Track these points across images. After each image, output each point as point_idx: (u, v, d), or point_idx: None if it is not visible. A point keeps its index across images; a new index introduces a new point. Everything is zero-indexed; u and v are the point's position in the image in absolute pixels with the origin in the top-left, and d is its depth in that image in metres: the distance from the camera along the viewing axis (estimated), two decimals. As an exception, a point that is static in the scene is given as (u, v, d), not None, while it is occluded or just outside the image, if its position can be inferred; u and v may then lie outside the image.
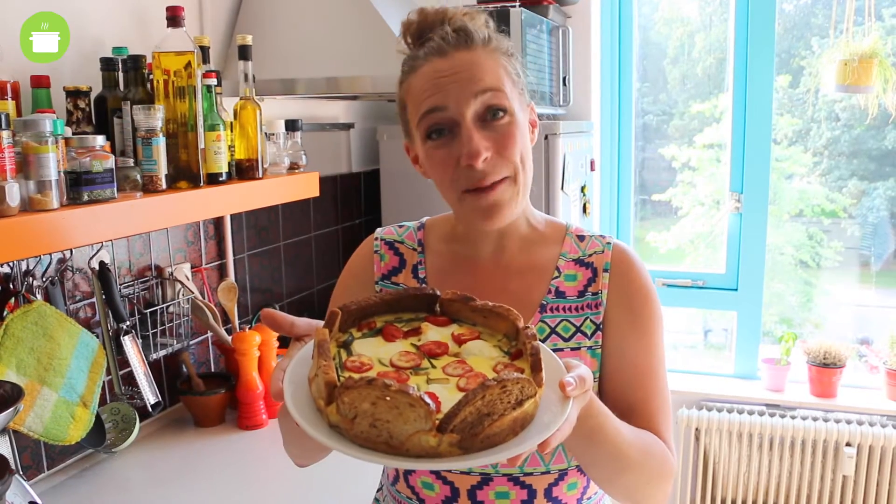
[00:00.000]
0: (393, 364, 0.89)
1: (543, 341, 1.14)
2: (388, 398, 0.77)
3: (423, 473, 1.18)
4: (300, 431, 0.81)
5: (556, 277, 1.18)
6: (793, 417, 3.14)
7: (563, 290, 1.18)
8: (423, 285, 1.02)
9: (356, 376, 0.81)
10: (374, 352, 0.92)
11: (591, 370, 1.13)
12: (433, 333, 0.96)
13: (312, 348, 0.89)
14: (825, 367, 3.17)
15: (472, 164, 1.05)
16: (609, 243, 1.21)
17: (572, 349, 1.15)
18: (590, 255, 1.20)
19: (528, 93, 1.17)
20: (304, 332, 0.96)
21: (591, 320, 1.16)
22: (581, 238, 1.22)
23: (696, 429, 3.24)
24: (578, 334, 1.16)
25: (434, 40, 1.09)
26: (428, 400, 0.77)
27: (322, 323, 0.95)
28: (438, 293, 1.01)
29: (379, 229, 1.31)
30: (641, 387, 1.15)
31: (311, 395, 0.85)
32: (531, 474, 1.14)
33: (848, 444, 3.05)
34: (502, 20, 2.57)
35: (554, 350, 1.12)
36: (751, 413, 3.20)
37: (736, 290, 3.42)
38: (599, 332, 1.16)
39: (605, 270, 1.18)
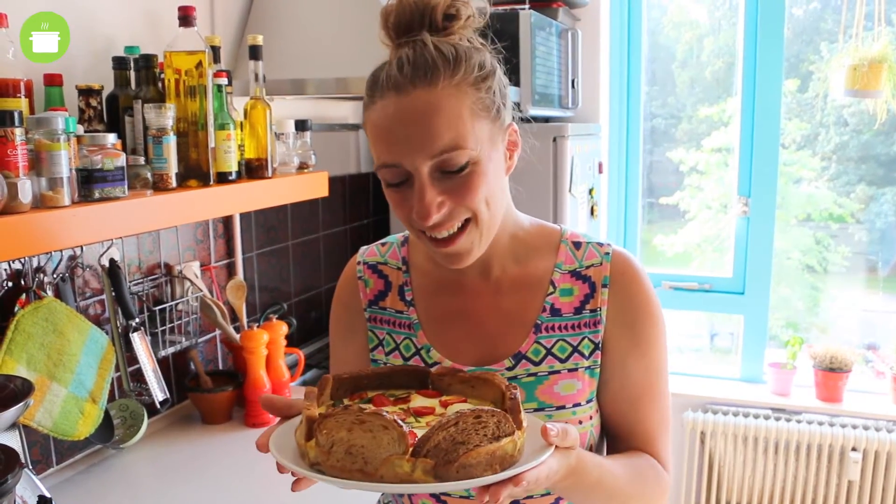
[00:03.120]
0: None
1: (539, 363, 1.10)
2: (363, 421, 0.79)
3: (424, 496, 1.16)
4: None
5: (552, 293, 1.12)
6: (798, 422, 3.13)
7: (558, 307, 1.11)
8: (415, 365, 1.03)
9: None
10: None
11: (590, 391, 1.12)
12: (421, 401, 0.98)
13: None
14: (831, 372, 3.16)
15: (422, 223, 0.99)
16: (608, 253, 1.13)
17: (569, 370, 1.10)
18: (587, 268, 1.12)
19: (511, 110, 1.07)
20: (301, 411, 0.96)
21: (589, 339, 1.11)
22: (577, 245, 1.15)
23: (702, 432, 3.24)
24: (576, 354, 1.10)
25: (393, 67, 0.98)
26: (401, 422, 0.79)
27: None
28: (430, 369, 1.03)
29: (361, 250, 1.25)
30: (643, 408, 1.12)
31: (297, 442, 0.88)
32: (531, 497, 1.11)
33: (854, 449, 3.04)
34: (511, 22, 2.58)
35: (550, 372, 1.10)
36: (756, 417, 3.20)
37: (743, 293, 3.41)
38: (598, 352, 1.11)
39: (605, 286, 1.11)
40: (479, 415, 0.80)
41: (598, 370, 1.11)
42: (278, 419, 0.96)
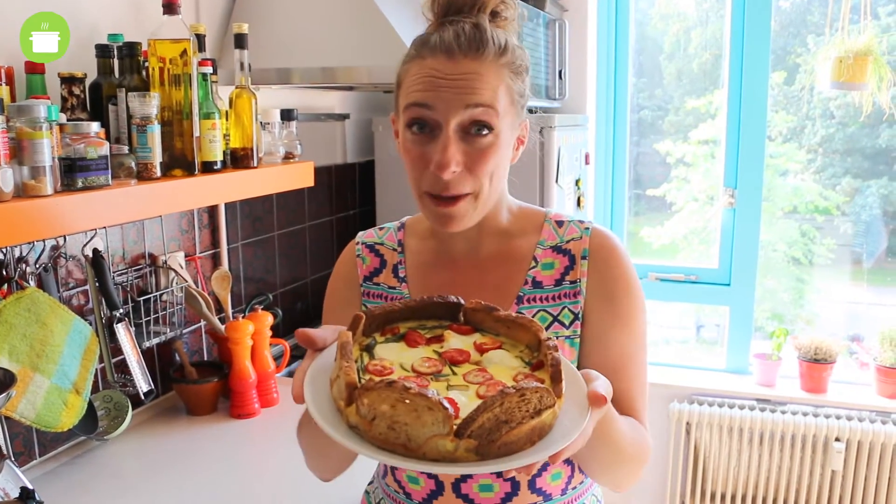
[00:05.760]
0: (414, 369, 0.89)
1: None
2: (407, 401, 0.77)
3: None
4: (322, 445, 0.81)
5: (533, 267, 1.17)
6: (783, 412, 3.15)
7: (539, 280, 1.16)
8: (449, 297, 1.02)
9: (376, 378, 0.81)
10: (396, 356, 0.92)
11: (571, 359, 1.14)
12: (455, 341, 0.96)
13: (335, 351, 0.89)
14: (816, 363, 3.19)
15: (439, 173, 1.04)
16: (587, 228, 1.18)
17: None
18: (567, 242, 1.18)
19: (527, 110, 1.15)
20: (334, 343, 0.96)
21: (569, 309, 1.15)
22: (560, 224, 1.20)
23: (687, 423, 3.26)
24: (556, 324, 1.14)
25: (448, 32, 1.06)
26: (446, 404, 0.77)
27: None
28: (462, 301, 1.01)
29: (360, 233, 1.31)
30: (624, 377, 1.14)
31: (332, 397, 0.85)
32: None
33: (837, 440, 3.07)
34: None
35: None
36: (741, 408, 3.22)
37: (728, 285, 3.43)
38: (578, 322, 1.15)
39: (584, 258, 1.16)
40: (523, 393, 0.79)
41: (577, 340, 1.15)
42: (307, 358, 0.94)
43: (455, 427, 0.78)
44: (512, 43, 1.09)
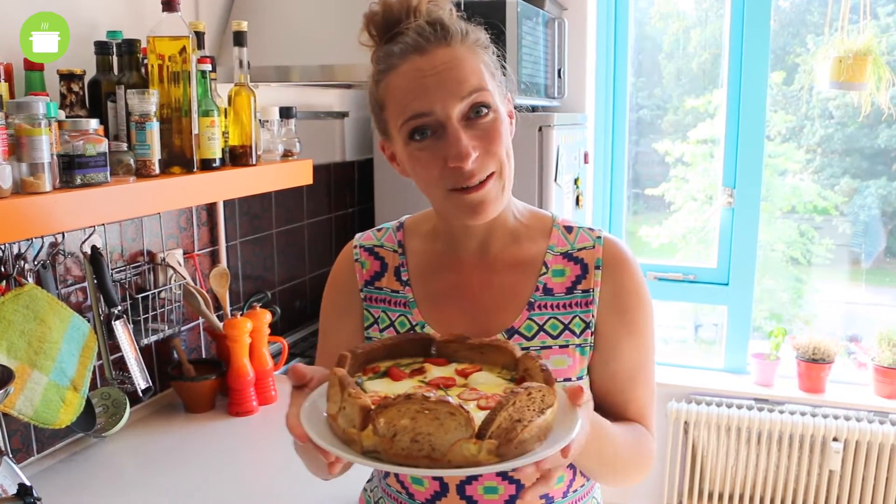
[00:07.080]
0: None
1: (531, 339, 1.14)
2: (427, 410, 0.79)
3: None
4: (325, 464, 0.84)
5: (544, 273, 1.16)
6: (781, 412, 3.16)
7: (550, 287, 1.16)
8: (420, 332, 1.04)
9: (391, 396, 0.83)
10: (386, 389, 0.94)
11: (580, 367, 1.15)
12: (437, 371, 0.98)
13: (323, 391, 0.92)
14: (814, 363, 3.19)
15: (460, 166, 1.03)
16: (599, 237, 1.18)
17: (560, 347, 1.14)
18: (579, 250, 1.17)
19: (507, 84, 1.15)
20: (319, 383, 0.97)
21: (580, 318, 1.14)
22: (569, 230, 1.20)
23: (685, 422, 3.26)
24: (567, 332, 1.14)
25: (409, 35, 1.06)
26: (466, 407, 0.80)
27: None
28: (434, 336, 1.04)
29: (357, 235, 1.29)
30: (635, 386, 1.17)
31: (339, 428, 0.86)
32: None
33: (835, 440, 3.07)
34: (498, 11, 2.57)
35: (542, 347, 1.14)
36: (739, 407, 3.22)
37: (727, 284, 3.43)
38: (589, 331, 1.14)
39: (598, 268, 1.15)
40: (529, 391, 0.83)
41: (587, 349, 1.15)
42: (293, 405, 0.94)
43: (476, 430, 0.80)
44: (469, 25, 1.10)
